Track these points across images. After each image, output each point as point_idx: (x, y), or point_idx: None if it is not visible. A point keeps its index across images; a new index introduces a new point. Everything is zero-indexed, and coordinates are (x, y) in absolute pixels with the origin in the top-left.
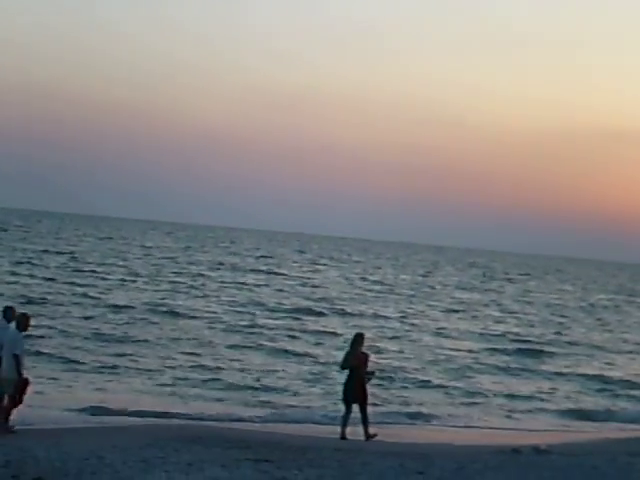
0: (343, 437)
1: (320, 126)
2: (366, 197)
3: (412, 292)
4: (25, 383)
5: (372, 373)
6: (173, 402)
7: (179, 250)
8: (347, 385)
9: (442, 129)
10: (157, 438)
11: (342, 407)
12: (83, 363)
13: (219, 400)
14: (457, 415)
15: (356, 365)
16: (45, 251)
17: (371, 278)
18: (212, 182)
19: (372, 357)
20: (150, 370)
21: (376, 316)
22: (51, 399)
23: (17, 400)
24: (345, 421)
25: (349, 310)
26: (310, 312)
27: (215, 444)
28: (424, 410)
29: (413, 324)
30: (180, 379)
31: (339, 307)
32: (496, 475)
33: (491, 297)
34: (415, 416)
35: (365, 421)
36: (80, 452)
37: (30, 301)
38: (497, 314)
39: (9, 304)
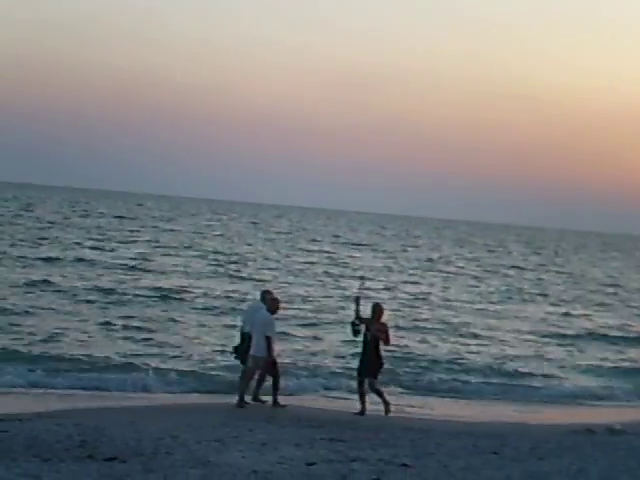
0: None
1: (388, 103)
2: (432, 175)
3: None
4: (273, 363)
5: (358, 324)
6: None
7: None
8: (362, 357)
9: (515, 104)
10: (231, 417)
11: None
12: None
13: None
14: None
15: (372, 336)
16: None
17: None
18: (271, 161)
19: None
20: None
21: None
22: None
23: (275, 379)
24: (362, 396)
25: None
26: None
27: (288, 423)
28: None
29: None
30: None
31: None
32: (570, 455)
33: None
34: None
35: (381, 396)
36: (154, 431)
37: None
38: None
39: (266, 288)
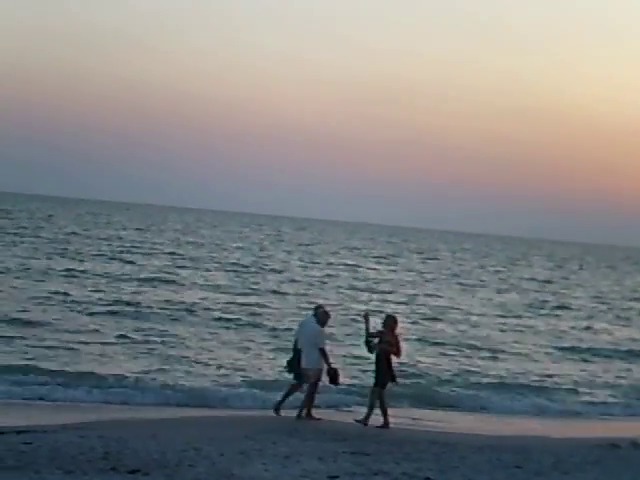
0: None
1: (408, 117)
2: (453, 188)
3: None
4: (335, 372)
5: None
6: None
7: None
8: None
9: (531, 118)
10: (254, 430)
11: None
12: None
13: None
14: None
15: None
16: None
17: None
18: (288, 173)
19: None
20: None
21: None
22: None
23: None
24: (381, 405)
25: None
26: None
27: (312, 437)
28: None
29: None
30: None
31: None
32: (595, 469)
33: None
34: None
35: (382, 406)
36: (177, 444)
37: None
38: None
39: (321, 303)
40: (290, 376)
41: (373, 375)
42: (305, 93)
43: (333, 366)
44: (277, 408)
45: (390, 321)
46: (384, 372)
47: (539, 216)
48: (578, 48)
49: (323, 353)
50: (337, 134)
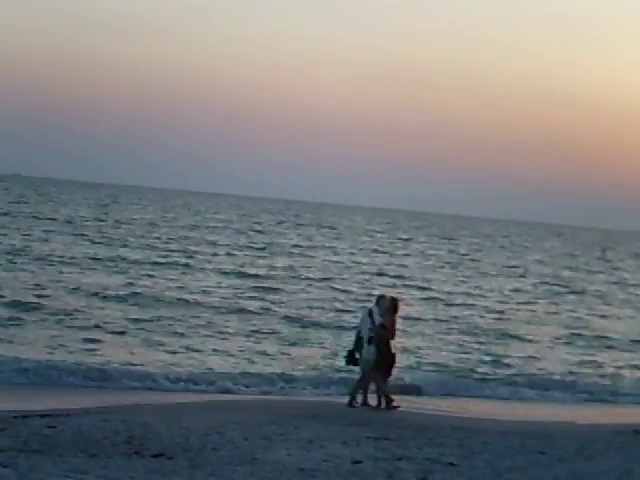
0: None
1: (440, 105)
2: (490, 176)
3: None
4: (393, 358)
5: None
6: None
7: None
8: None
9: (567, 105)
10: (277, 415)
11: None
12: None
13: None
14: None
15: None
16: None
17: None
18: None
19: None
20: None
21: None
22: None
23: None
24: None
25: None
26: None
27: (334, 421)
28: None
29: None
30: None
31: None
32: (618, 456)
33: None
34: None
35: (386, 391)
36: (201, 428)
37: None
38: None
39: (382, 293)
40: (350, 367)
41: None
42: (330, 75)
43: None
44: (351, 400)
45: (387, 303)
46: (384, 356)
47: (566, 201)
48: (611, 31)
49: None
50: (360, 116)
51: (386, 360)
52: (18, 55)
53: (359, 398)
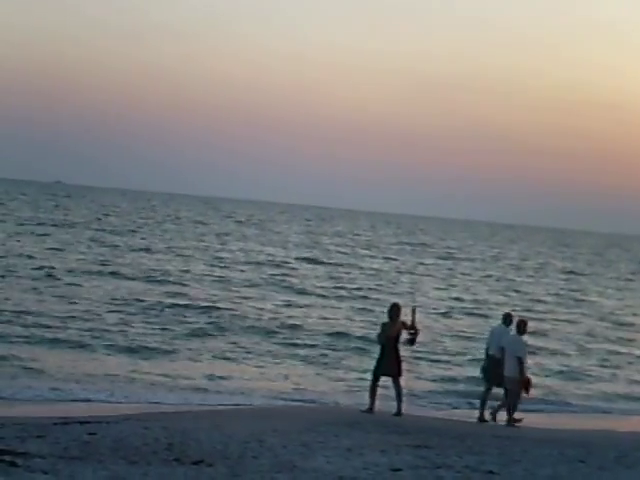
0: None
1: (475, 111)
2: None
3: None
4: (527, 382)
5: (414, 334)
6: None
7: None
8: (380, 358)
9: (600, 112)
10: (316, 423)
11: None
12: None
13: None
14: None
15: (390, 335)
16: None
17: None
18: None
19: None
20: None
21: None
22: None
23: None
24: (373, 394)
25: None
26: None
27: (373, 429)
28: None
29: None
30: None
31: None
32: None
33: None
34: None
35: (399, 396)
36: (241, 435)
37: None
38: None
39: (508, 311)
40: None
41: (377, 363)
42: (369, 83)
43: (527, 376)
44: (481, 414)
45: (395, 308)
46: (392, 359)
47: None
48: None
49: (520, 362)
50: (398, 126)
51: (396, 362)
52: (58, 64)
53: (486, 414)
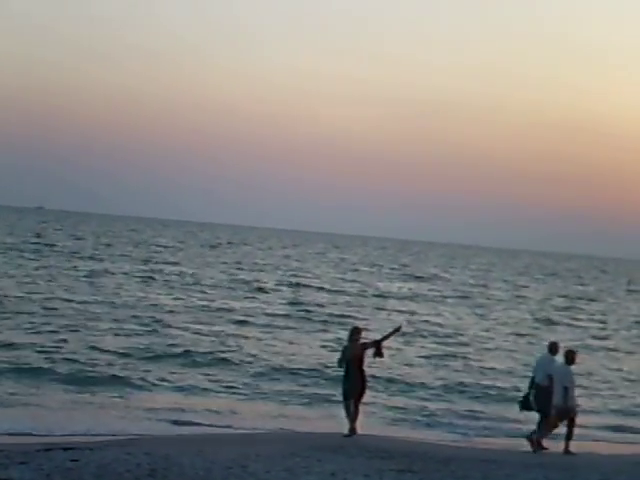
0: (353, 432)
1: (451, 135)
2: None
3: None
4: (573, 413)
5: (378, 347)
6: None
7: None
8: (345, 380)
9: (578, 135)
10: (300, 448)
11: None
12: None
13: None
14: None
15: (353, 357)
16: None
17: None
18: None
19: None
20: None
21: None
22: None
23: (569, 430)
24: (349, 414)
25: None
26: None
27: (357, 454)
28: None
29: None
30: None
31: None
32: None
33: None
34: None
35: (356, 416)
36: (224, 461)
37: None
38: None
39: (554, 340)
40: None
41: (343, 385)
42: (349, 110)
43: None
44: (537, 443)
45: (354, 331)
46: (356, 382)
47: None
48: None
49: (566, 392)
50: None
51: (360, 384)
52: (39, 88)
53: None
